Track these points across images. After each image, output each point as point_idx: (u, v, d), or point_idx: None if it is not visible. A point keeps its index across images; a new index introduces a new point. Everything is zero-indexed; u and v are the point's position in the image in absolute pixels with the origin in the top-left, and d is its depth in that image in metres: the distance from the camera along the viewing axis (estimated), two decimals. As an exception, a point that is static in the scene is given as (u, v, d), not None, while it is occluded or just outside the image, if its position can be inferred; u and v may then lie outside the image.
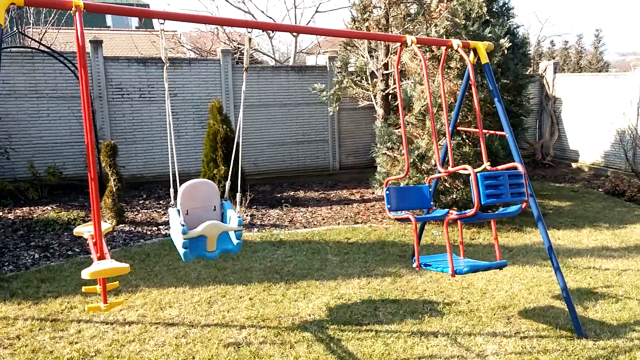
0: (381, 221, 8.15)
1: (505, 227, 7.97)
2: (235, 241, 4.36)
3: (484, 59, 4.99)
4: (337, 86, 9.31)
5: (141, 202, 8.83)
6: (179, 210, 4.27)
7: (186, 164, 10.08)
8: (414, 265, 4.54)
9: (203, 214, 4.47)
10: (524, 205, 4.44)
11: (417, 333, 4.54)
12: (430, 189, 5.30)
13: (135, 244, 6.79)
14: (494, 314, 4.95)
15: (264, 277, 5.71)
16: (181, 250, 3.99)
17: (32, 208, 8.08)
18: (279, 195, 9.75)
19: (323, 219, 8.32)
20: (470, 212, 4.18)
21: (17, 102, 8.91)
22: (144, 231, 7.32)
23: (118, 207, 7.50)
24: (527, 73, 8.95)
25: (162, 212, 8.29)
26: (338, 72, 9.45)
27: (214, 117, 8.78)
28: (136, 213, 8.16)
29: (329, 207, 9.02)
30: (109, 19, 36.67)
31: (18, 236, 6.89)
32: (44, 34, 14.54)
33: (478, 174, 4.15)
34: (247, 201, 8.69)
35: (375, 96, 9.51)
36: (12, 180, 8.58)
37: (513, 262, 6.39)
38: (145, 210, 8.34)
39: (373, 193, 9.79)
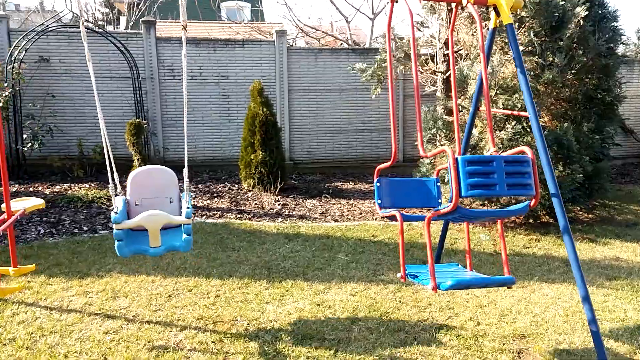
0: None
1: (575, 235, 6.57)
2: (184, 236, 3.62)
3: (507, 19, 3.89)
4: (376, 65, 8.31)
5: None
6: (126, 200, 3.81)
7: (237, 149, 9.71)
8: (399, 275, 3.63)
9: (157, 206, 3.78)
10: (533, 202, 3.34)
11: None
12: (439, 184, 4.28)
13: (146, 227, 6.46)
14: (503, 344, 3.87)
15: (250, 272, 5.06)
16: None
17: (72, 185, 8.15)
18: (325, 185, 9.04)
19: (360, 214, 7.48)
20: (447, 207, 3.16)
21: (73, 82, 9.08)
22: (163, 214, 6.99)
23: (141, 188, 7.25)
24: (619, 53, 7.35)
25: (193, 196, 7.95)
26: (382, 49, 8.46)
27: (254, 99, 8.29)
28: (166, 196, 7.90)
29: (374, 201, 8.13)
30: (222, 12, 38.08)
31: (38, 210, 6.88)
32: (133, 23, 15.07)
33: (459, 158, 3.15)
34: (278, 189, 8.08)
35: (435, 80, 8.43)
36: (63, 157, 8.76)
37: (564, 280, 5.14)
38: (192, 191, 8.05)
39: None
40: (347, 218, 7.30)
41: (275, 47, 9.75)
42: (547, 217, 7.31)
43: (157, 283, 4.74)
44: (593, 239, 6.59)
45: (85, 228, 6.35)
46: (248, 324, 4.06)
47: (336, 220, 7.16)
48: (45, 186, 8.05)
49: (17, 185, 8.04)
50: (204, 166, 9.70)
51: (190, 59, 9.45)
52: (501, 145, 6.53)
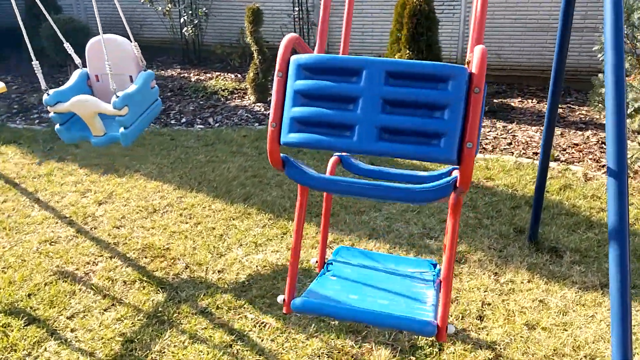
0: (596, 167, 4.88)
1: None
2: (120, 129, 3.00)
3: None
4: None
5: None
6: (87, 74, 3.31)
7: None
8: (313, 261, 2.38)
9: (118, 83, 3.19)
10: (458, 179, 1.47)
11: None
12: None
13: (242, 126, 5.92)
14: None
15: (269, 201, 4.12)
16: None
17: (221, 74, 8.02)
18: (494, 100, 7.01)
19: (509, 144, 5.56)
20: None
21: (244, -35, 8.66)
22: (273, 115, 6.31)
23: (259, 82, 6.65)
24: None
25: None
26: None
27: (408, -18, 6.60)
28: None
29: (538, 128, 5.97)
30: None
31: (163, 96, 6.92)
32: None
33: (295, 59, 1.54)
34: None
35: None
36: (226, 45, 8.67)
37: None
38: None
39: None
40: (483, 147, 5.48)
41: None
42: None
43: (162, 193, 4.20)
44: None
45: (183, 120, 6.12)
46: (185, 269, 3.24)
47: (465, 149, 5.43)
48: (197, 72, 8.09)
49: (178, 69, 8.27)
50: (369, 64, 8.50)
51: None
52: None
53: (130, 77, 3.28)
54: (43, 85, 2.97)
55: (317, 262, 2.48)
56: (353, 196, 1.63)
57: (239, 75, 7.90)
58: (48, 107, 2.99)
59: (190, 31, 8.03)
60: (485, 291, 3.07)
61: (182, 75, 7.98)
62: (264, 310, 2.86)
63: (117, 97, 2.88)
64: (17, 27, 2.91)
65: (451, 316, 2.86)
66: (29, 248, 3.41)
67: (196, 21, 8.10)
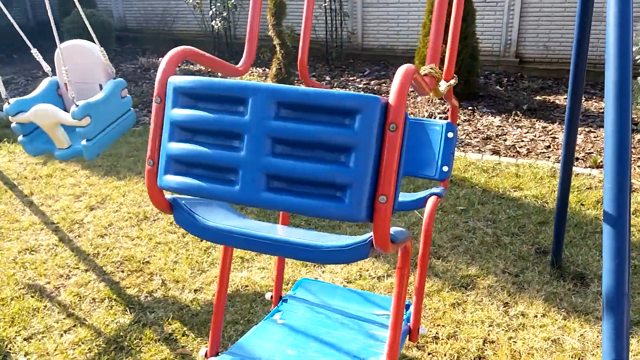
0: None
1: None
2: (83, 141, 2.78)
3: None
4: None
5: (352, 78, 7.33)
6: (57, 83, 3.18)
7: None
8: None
9: (85, 93, 3.09)
10: (374, 239, 1.09)
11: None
12: (450, 134, 2.06)
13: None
14: None
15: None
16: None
17: (251, 68, 7.79)
18: (536, 97, 6.42)
19: (547, 147, 5.04)
20: None
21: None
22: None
23: (281, 78, 6.37)
24: None
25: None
26: None
27: (444, -31, 6.10)
28: (321, 90, 6.80)
29: (591, 128, 5.40)
30: None
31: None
32: None
33: (171, 81, 1.17)
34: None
35: None
36: (258, 38, 8.41)
37: None
38: (335, 87, 6.87)
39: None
40: (517, 151, 4.97)
41: None
42: None
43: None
44: None
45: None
46: (161, 286, 2.99)
47: (496, 152, 4.95)
48: (224, 67, 7.88)
49: (207, 64, 8.10)
50: (404, 58, 8.05)
51: None
52: None
53: (100, 85, 3.10)
54: (3, 94, 2.81)
55: (272, 297, 2.23)
56: (253, 251, 1.38)
57: (267, 70, 7.64)
58: (9, 117, 2.80)
59: (219, 24, 7.83)
60: (490, 325, 2.66)
61: (209, 70, 7.79)
62: (234, 340, 2.58)
63: (77, 106, 2.66)
64: (50, 21, 2.77)
65: (444, 355, 2.47)
66: (7, 257, 3.27)
67: (225, 13, 7.88)
